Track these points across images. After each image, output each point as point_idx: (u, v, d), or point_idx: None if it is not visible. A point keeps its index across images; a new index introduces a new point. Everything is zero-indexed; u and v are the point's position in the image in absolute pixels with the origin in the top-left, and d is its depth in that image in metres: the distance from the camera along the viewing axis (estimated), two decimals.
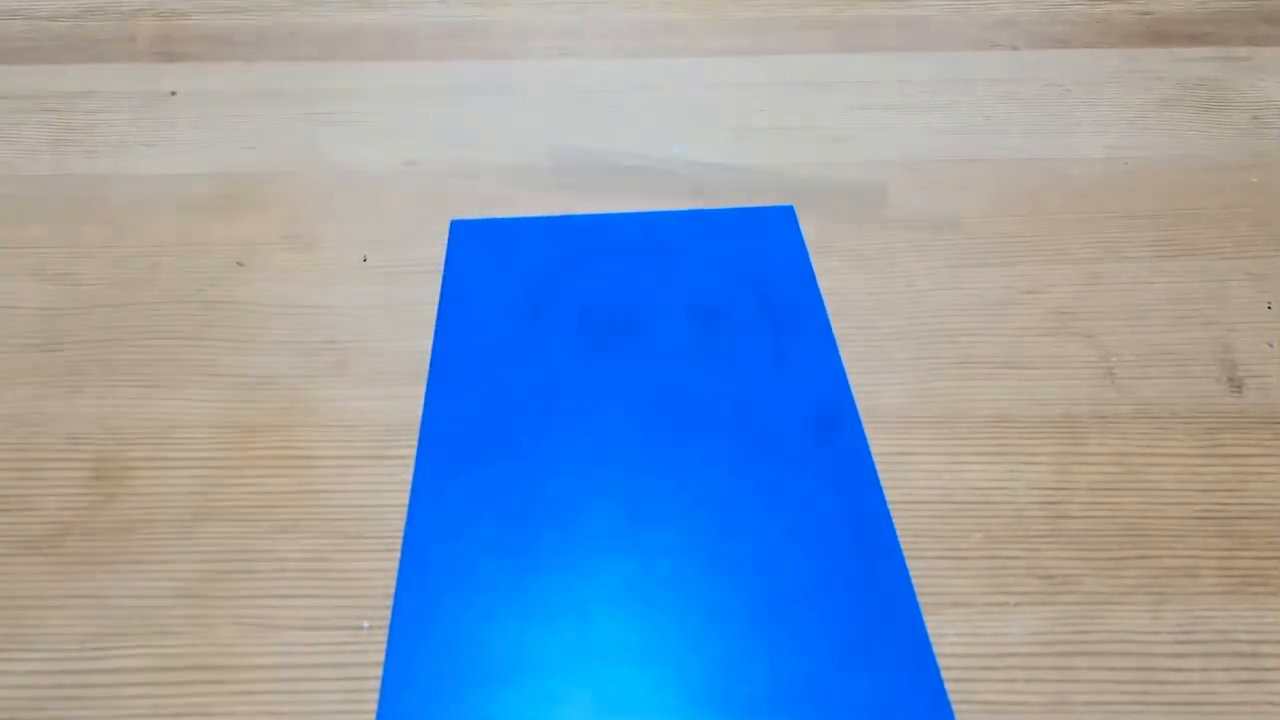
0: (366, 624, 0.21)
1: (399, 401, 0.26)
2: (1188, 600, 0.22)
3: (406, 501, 0.23)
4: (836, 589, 0.21)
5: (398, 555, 0.22)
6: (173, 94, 0.38)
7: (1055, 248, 0.31)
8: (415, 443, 0.25)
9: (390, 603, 0.21)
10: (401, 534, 0.23)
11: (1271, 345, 0.27)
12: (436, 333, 0.28)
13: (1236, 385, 0.26)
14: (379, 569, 0.22)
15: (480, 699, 0.20)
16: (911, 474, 0.24)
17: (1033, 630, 0.21)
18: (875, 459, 0.24)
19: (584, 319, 0.28)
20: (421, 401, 0.26)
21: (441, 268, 0.30)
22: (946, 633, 0.21)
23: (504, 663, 0.20)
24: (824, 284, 0.29)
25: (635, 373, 0.26)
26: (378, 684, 0.20)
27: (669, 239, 0.30)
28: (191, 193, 0.33)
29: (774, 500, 0.23)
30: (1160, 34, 0.41)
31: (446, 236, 0.31)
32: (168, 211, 0.33)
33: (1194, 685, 0.20)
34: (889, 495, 0.23)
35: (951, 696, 0.20)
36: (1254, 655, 0.21)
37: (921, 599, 0.21)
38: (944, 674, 0.20)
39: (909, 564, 0.22)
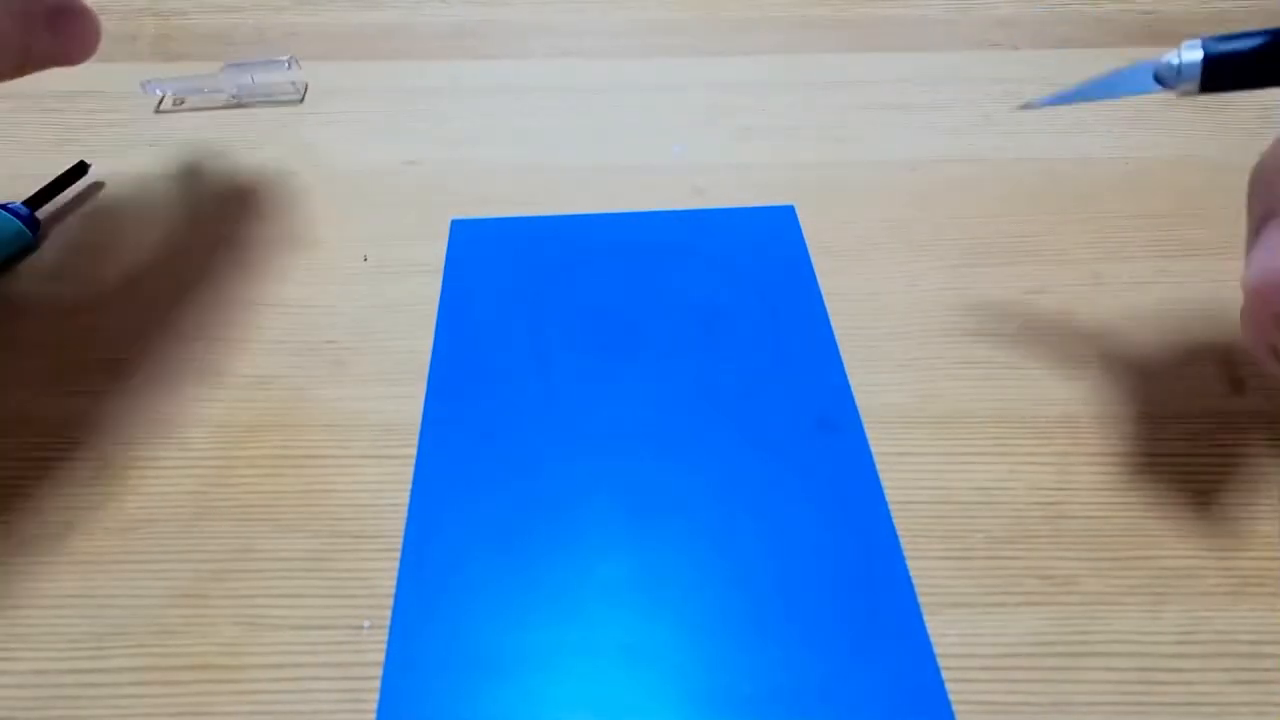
0: (366, 623, 0.21)
1: (399, 401, 0.26)
2: (1188, 601, 0.22)
3: (406, 501, 0.23)
4: (836, 589, 0.21)
5: (398, 554, 0.22)
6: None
7: (1056, 248, 0.30)
8: (415, 442, 0.25)
9: (390, 602, 0.21)
10: (401, 533, 0.23)
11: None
12: (437, 332, 0.28)
13: (1238, 385, 0.26)
14: (379, 568, 0.22)
15: (480, 698, 0.20)
16: (912, 474, 0.24)
17: (1033, 630, 0.21)
18: (875, 459, 0.24)
19: (584, 318, 0.28)
20: (421, 401, 0.26)
21: (441, 267, 0.30)
22: (946, 633, 0.21)
23: (504, 662, 0.20)
24: (824, 284, 0.29)
25: (635, 372, 0.26)
26: (378, 683, 0.20)
27: (669, 239, 0.30)
28: (192, 192, 0.33)
29: (774, 500, 0.23)
30: (1161, 34, 0.41)
31: (447, 236, 0.31)
32: (168, 211, 0.33)
33: (1194, 686, 0.20)
34: (889, 495, 0.23)
35: (951, 696, 0.20)
36: (1254, 656, 0.21)
37: (921, 599, 0.21)
38: (944, 674, 0.20)
39: (909, 564, 0.22)
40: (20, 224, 0.30)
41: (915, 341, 0.28)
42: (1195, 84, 0.19)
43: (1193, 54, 0.19)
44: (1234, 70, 0.19)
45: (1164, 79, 0.20)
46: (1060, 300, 0.29)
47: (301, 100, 0.38)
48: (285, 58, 0.37)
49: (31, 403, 0.26)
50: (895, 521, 0.23)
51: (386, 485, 0.24)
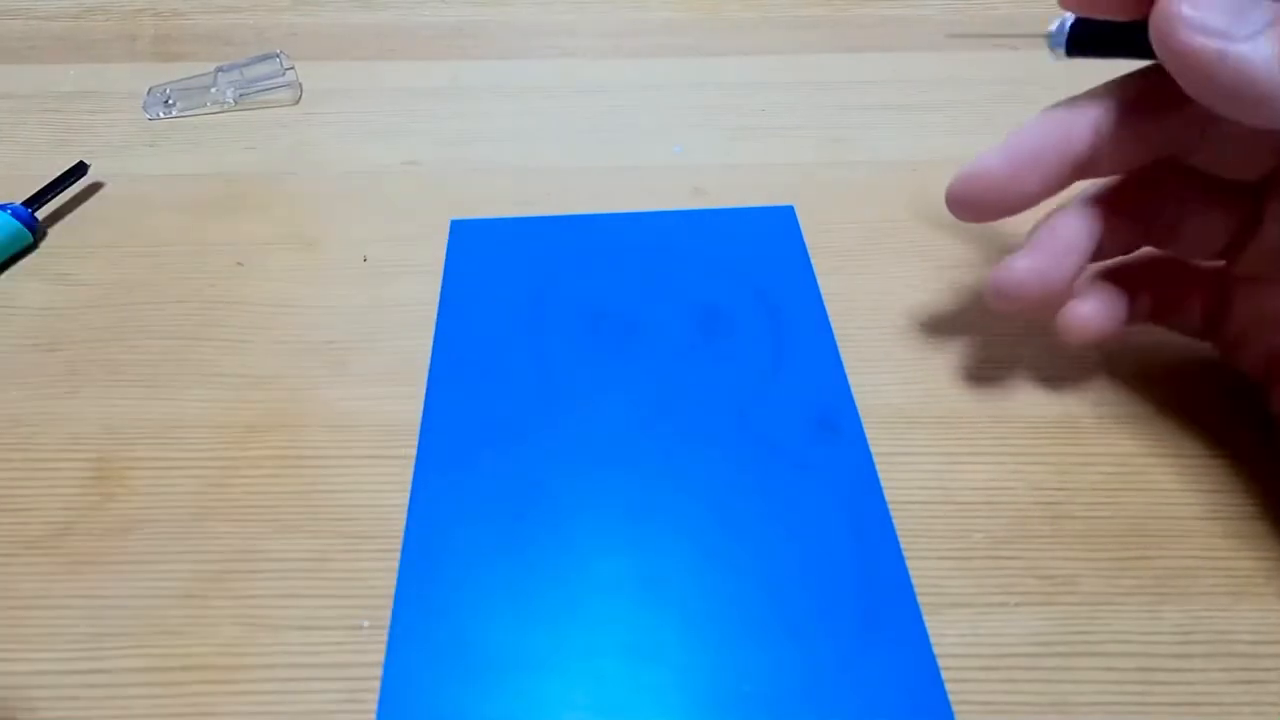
0: (365, 623, 0.21)
1: (399, 401, 0.26)
2: (1188, 601, 0.22)
3: (406, 501, 0.23)
4: (836, 589, 0.21)
5: (398, 554, 0.22)
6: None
7: None
8: (415, 442, 0.25)
9: (390, 602, 0.21)
10: (401, 533, 0.23)
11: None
12: (436, 332, 0.28)
13: (1237, 385, 0.26)
14: (379, 568, 0.22)
15: (481, 698, 0.20)
16: (912, 474, 0.24)
17: (1033, 630, 0.21)
18: (875, 459, 0.24)
19: (584, 318, 0.28)
20: (421, 401, 0.26)
21: (441, 267, 0.30)
22: (946, 633, 0.21)
23: (504, 662, 0.20)
24: (824, 284, 0.29)
25: (635, 372, 0.26)
26: (377, 683, 0.20)
27: (669, 239, 0.30)
28: (191, 192, 0.33)
29: (774, 500, 0.23)
30: None
31: (447, 236, 0.31)
32: (168, 211, 0.33)
33: (1194, 686, 0.20)
34: (889, 495, 0.23)
35: (951, 696, 0.20)
36: (1254, 656, 0.21)
37: (921, 599, 0.21)
38: (944, 674, 0.20)
39: (909, 564, 0.22)
40: (20, 224, 0.30)
41: (915, 341, 0.28)
42: (1064, 48, 0.24)
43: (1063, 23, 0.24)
44: (1093, 37, 0.23)
45: (1052, 42, 0.24)
46: None
47: (298, 100, 0.38)
48: (278, 54, 0.37)
49: (31, 403, 0.26)
50: (895, 521, 0.23)
51: (386, 485, 0.24)
